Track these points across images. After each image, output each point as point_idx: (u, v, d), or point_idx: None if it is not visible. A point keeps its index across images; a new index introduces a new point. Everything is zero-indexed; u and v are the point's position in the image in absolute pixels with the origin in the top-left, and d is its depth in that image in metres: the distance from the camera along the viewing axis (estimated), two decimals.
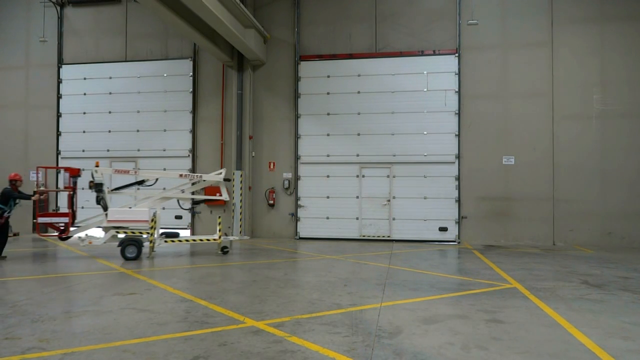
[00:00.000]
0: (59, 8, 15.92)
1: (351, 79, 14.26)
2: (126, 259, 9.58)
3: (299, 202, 14.34)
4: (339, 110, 14.29)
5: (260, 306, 5.81)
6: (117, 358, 4.01)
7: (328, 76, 14.39)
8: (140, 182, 10.83)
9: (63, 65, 15.95)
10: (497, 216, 13.41)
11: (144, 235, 10.02)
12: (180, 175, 10.68)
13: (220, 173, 10.76)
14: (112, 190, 10.58)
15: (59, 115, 15.88)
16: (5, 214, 9.55)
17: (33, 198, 9.77)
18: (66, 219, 10.08)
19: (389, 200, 13.85)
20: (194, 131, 15.05)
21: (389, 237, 13.78)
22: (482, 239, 13.40)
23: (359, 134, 14.15)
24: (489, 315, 5.39)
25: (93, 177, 10.05)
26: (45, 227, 10.46)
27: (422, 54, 13.92)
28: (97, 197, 10.09)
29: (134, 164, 15.36)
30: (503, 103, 13.53)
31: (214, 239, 10.45)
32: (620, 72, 13.07)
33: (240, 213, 13.96)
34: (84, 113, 15.72)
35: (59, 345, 4.29)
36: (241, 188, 14.05)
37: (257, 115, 14.70)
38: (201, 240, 10.55)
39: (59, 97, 15.92)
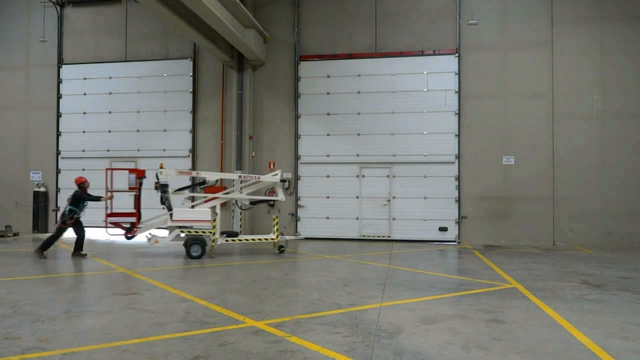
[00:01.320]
0: (59, 8, 15.92)
1: (351, 79, 14.26)
2: (191, 257, 9.91)
3: (299, 202, 14.34)
4: (339, 110, 14.29)
5: (260, 306, 5.81)
6: (117, 358, 4.01)
7: (328, 76, 14.39)
8: (201, 183, 11.12)
9: (63, 65, 15.95)
10: (497, 216, 13.41)
11: (204, 235, 10.32)
12: (239, 176, 11.03)
13: (276, 174, 10.98)
14: (175, 191, 10.79)
15: (59, 115, 15.88)
16: (76, 216, 9.98)
17: (102, 199, 10.22)
18: (133, 219, 10.37)
19: (389, 200, 13.85)
20: (194, 131, 15.05)
21: (389, 237, 13.78)
22: (482, 239, 13.40)
23: (359, 134, 14.15)
24: (489, 315, 5.39)
25: (158, 178, 10.30)
26: (113, 226, 10.65)
27: (422, 54, 13.92)
28: (162, 197, 10.36)
29: (134, 164, 15.35)
30: (503, 103, 13.53)
31: (272, 239, 10.71)
32: (620, 72, 13.07)
33: (240, 213, 13.95)
34: (84, 113, 15.72)
35: (59, 345, 4.29)
36: (241, 188, 14.01)
37: (257, 115, 14.70)
38: (260, 239, 10.85)
39: (59, 97, 15.91)
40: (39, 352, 4.12)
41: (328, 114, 14.35)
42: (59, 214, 10.49)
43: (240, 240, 10.67)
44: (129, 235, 10.42)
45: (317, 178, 14.26)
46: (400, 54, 14.02)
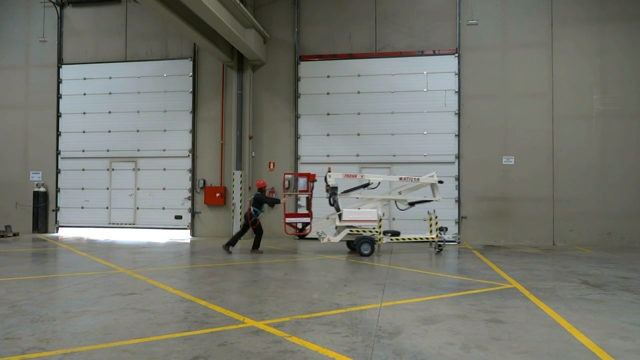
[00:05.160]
0: (59, 8, 15.92)
1: (351, 79, 14.26)
2: (362, 255, 10.36)
3: (299, 202, 14.33)
4: (339, 110, 14.29)
5: (260, 306, 5.81)
6: (117, 358, 4.01)
7: (328, 76, 14.39)
8: (365, 185, 11.42)
9: (63, 65, 15.95)
10: (497, 216, 13.41)
11: (368, 234, 10.66)
12: (400, 178, 11.34)
13: (433, 175, 11.27)
14: (342, 192, 11.17)
15: (59, 115, 15.88)
16: (258, 217, 10.81)
17: (282, 201, 11.00)
18: (308, 219, 10.98)
19: (389, 200, 13.81)
20: (193, 131, 15.05)
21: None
22: (481, 239, 13.40)
23: (359, 134, 14.15)
24: (489, 316, 5.39)
25: (327, 181, 10.87)
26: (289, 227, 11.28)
27: (422, 54, 13.92)
28: (331, 199, 10.82)
29: (134, 164, 15.37)
30: (503, 103, 13.53)
31: (431, 238, 11.00)
32: (620, 72, 13.08)
33: (240, 213, 13.96)
34: (84, 113, 15.72)
35: (59, 345, 4.29)
36: (241, 188, 14.05)
37: (257, 116, 14.70)
38: (421, 239, 11.11)
39: (59, 97, 15.92)
40: (39, 352, 4.12)
41: (328, 114, 14.35)
42: (245, 215, 10.96)
43: (402, 239, 11.02)
44: (301, 234, 11.17)
45: (318, 178, 14.22)
46: (400, 54, 14.02)
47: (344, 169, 14.13)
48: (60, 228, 15.84)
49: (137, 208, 15.30)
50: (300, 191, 11.31)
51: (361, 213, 10.71)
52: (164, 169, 15.19)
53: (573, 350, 4.26)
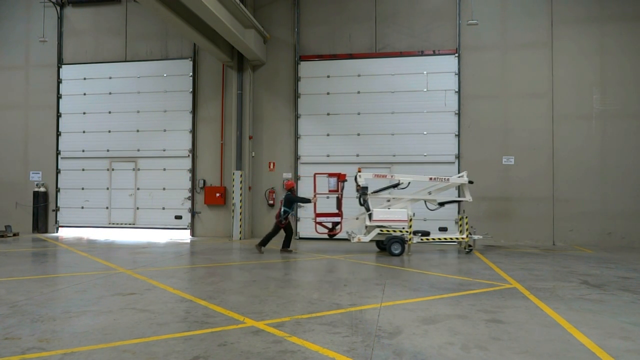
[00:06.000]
0: (58, 8, 15.93)
1: (351, 79, 14.26)
2: (392, 254, 10.47)
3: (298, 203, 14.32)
4: (339, 110, 14.29)
5: (259, 306, 5.81)
6: (117, 358, 4.01)
7: (328, 76, 14.39)
8: (395, 185, 11.53)
9: (63, 65, 15.95)
10: (497, 216, 13.41)
11: (398, 234, 10.76)
12: (430, 179, 11.40)
13: (462, 175, 11.39)
14: (372, 192, 11.28)
15: (58, 115, 15.89)
16: (289, 216, 10.95)
17: (313, 201, 11.12)
18: (338, 219, 11.07)
19: (389, 200, 13.81)
20: (193, 131, 15.05)
21: None
22: (482, 239, 13.37)
23: (359, 134, 14.15)
24: (489, 316, 5.39)
25: (357, 181, 11.00)
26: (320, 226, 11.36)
27: (422, 54, 13.92)
28: (361, 199, 10.94)
29: (134, 164, 15.37)
30: (503, 103, 13.54)
31: (462, 238, 11.10)
32: (620, 72, 13.08)
33: (240, 213, 13.96)
34: (84, 113, 15.73)
35: (59, 345, 4.29)
36: (241, 188, 14.05)
37: (257, 116, 14.70)
38: (451, 239, 11.26)
39: (58, 97, 15.92)
40: (39, 352, 4.12)
41: (328, 114, 14.35)
42: (275, 214, 11.18)
43: (433, 239, 11.15)
44: (331, 234, 11.17)
45: (318, 178, 14.21)
46: (400, 54, 14.02)
47: (344, 169, 14.12)
48: (60, 228, 15.84)
49: (137, 208, 15.31)
50: (330, 191, 11.36)
51: (391, 213, 10.79)
52: (164, 169, 15.20)
53: (573, 350, 4.26)
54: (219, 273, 8.32)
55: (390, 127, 13.98)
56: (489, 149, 13.51)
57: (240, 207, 13.99)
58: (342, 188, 11.22)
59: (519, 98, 13.46)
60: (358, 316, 5.35)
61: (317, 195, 11.24)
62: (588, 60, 13.25)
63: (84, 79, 15.78)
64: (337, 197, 11.30)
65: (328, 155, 14.31)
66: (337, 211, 11.19)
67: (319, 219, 11.10)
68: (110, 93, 15.60)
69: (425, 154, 13.78)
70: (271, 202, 14.43)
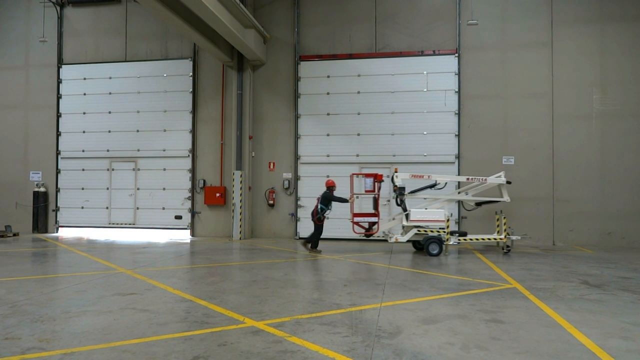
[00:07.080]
0: (58, 8, 15.93)
1: (351, 79, 14.26)
2: (430, 254, 10.47)
3: (298, 202, 14.34)
4: (339, 110, 14.29)
5: (259, 306, 5.81)
6: (117, 358, 4.01)
7: (328, 76, 14.39)
8: (432, 186, 11.49)
9: (63, 65, 15.95)
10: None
11: (435, 234, 10.78)
12: (467, 179, 11.45)
13: (500, 176, 11.38)
14: (409, 193, 11.30)
15: (58, 115, 15.89)
16: (325, 214, 10.98)
17: (350, 200, 11.16)
18: (376, 219, 11.05)
19: (389, 201, 13.85)
20: (193, 131, 15.05)
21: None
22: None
23: (359, 134, 14.15)
24: (489, 316, 5.39)
25: (393, 182, 10.97)
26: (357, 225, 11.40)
27: (422, 54, 13.92)
28: (399, 199, 10.95)
29: (134, 164, 15.37)
30: (503, 103, 13.54)
31: (500, 238, 11.06)
32: (620, 72, 13.08)
33: (240, 213, 13.96)
34: (84, 113, 15.73)
35: (59, 346, 4.29)
36: (241, 188, 14.04)
37: (257, 116, 14.70)
38: (489, 239, 11.23)
39: (58, 97, 15.92)
40: (39, 352, 4.12)
41: (328, 114, 14.35)
42: (312, 212, 11.14)
43: (470, 239, 11.11)
44: (368, 234, 11.19)
45: (317, 178, 14.24)
46: (400, 54, 14.02)
47: (344, 169, 14.18)
48: (60, 228, 15.84)
49: (137, 208, 15.31)
50: (367, 191, 11.41)
51: (429, 213, 10.80)
52: (164, 169, 15.20)
53: (573, 350, 4.26)
54: (219, 273, 8.32)
55: (390, 127, 13.98)
56: (489, 149, 13.51)
57: (240, 207, 13.99)
58: (379, 188, 11.18)
59: (519, 98, 13.46)
60: (358, 316, 5.35)
61: (354, 196, 11.26)
62: (588, 60, 13.25)
63: (84, 79, 15.78)
64: (374, 197, 11.27)
65: (328, 155, 14.31)
66: (374, 211, 11.18)
67: (356, 219, 11.14)
68: (110, 93, 15.60)
69: (425, 154, 13.78)
70: (271, 202, 14.43)
